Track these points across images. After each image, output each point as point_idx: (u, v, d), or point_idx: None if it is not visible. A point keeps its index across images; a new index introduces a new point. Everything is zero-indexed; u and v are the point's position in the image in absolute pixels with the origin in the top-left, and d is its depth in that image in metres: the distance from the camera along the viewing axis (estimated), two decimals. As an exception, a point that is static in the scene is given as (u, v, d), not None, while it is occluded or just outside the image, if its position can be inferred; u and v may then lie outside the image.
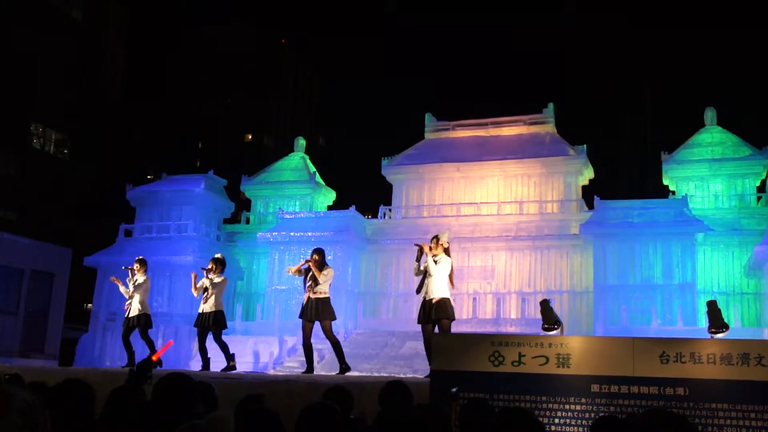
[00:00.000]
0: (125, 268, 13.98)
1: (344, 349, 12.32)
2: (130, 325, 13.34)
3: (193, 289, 13.08)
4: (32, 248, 22.47)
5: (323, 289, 11.73)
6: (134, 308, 13.32)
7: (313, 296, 11.65)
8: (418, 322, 10.64)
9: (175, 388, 4.21)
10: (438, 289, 10.45)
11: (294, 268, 12.18)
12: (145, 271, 13.68)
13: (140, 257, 13.97)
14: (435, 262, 10.48)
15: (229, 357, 12.78)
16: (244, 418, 4.18)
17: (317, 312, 11.59)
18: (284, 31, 67.93)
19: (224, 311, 13.24)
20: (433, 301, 10.40)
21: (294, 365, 19.22)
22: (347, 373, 11.56)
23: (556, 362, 6.45)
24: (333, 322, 11.81)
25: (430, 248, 10.55)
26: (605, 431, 4.49)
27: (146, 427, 4.14)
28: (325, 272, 11.69)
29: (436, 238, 10.67)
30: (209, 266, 13.07)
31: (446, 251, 10.63)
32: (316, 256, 11.81)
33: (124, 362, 14.30)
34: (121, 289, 13.72)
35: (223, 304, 13.20)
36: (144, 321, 13.35)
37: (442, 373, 6.68)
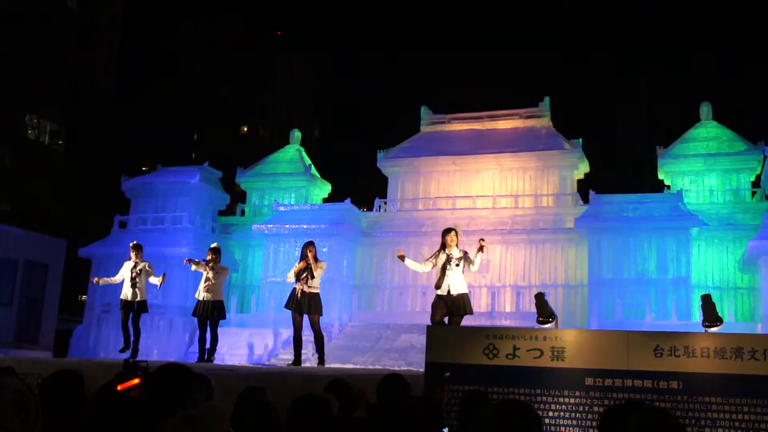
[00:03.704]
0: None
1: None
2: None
3: (195, 267, 13.11)
4: (27, 239, 22.43)
5: (316, 284, 11.84)
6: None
7: (307, 290, 11.72)
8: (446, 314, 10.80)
9: (173, 379, 4.20)
10: (459, 285, 10.71)
11: (297, 269, 12.15)
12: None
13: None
14: (451, 259, 10.67)
15: (212, 351, 12.82)
16: (244, 411, 4.18)
17: (309, 306, 11.68)
18: (280, 23, 67.77)
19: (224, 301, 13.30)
20: (453, 295, 10.64)
21: (288, 357, 19.17)
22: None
23: (551, 355, 6.46)
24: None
25: (447, 242, 10.81)
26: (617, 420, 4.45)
27: (141, 417, 4.13)
28: (320, 266, 11.83)
29: (455, 231, 10.91)
30: (209, 257, 13.08)
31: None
32: (313, 249, 11.89)
33: (118, 353, 14.31)
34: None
35: (223, 293, 13.23)
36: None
37: (437, 365, 6.69)
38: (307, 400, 4.02)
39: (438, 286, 10.72)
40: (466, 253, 10.91)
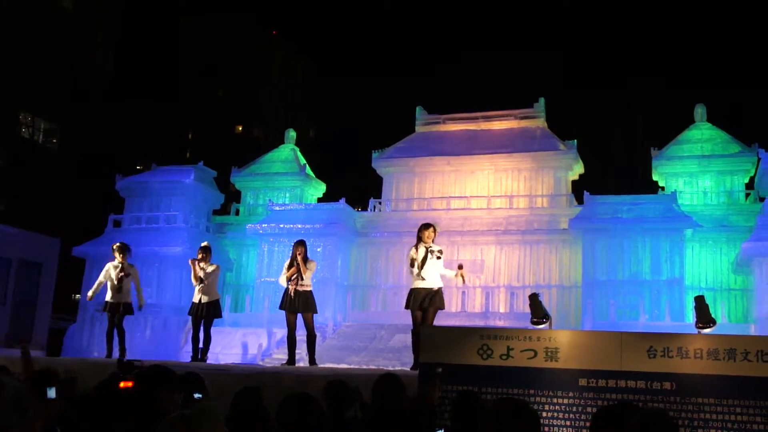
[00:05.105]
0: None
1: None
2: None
3: (193, 278, 12.99)
4: (20, 238, 22.35)
5: (308, 282, 11.91)
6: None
7: (300, 289, 11.80)
8: (410, 308, 10.69)
9: (156, 381, 4.22)
10: (437, 279, 10.58)
11: (289, 274, 12.06)
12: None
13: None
14: (432, 252, 10.52)
15: (205, 351, 12.79)
16: (239, 410, 4.19)
17: (302, 305, 11.76)
18: (276, 23, 67.73)
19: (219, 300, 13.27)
20: (434, 289, 10.51)
21: (282, 357, 19.20)
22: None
23: (545, 356, 6.48)
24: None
25: (424, 237, 10.63)
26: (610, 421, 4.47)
27: (130, 418, 4.14)
28: (309, 266, 11.88)
29: (434, 228, 10.72)
30: (199, 256, 13.03)
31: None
32: (302, 249, 11.90)
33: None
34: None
35: (218, 293, 13.22)
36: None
37: (431, 365, 6.70)
38: (296, 399, 4.03)
39: (420, 276, 10.48)
40: (441, 252, 10.73)
